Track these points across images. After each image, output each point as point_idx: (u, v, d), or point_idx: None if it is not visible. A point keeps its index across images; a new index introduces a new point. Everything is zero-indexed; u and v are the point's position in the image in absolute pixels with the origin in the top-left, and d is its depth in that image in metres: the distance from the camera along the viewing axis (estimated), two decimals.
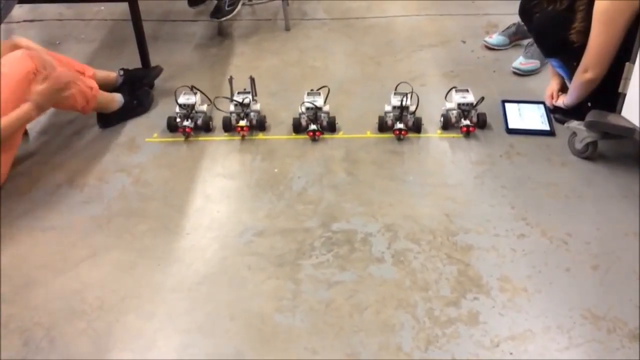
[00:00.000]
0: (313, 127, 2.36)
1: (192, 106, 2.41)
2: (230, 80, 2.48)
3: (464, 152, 2.29)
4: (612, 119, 2.09)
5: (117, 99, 2.50)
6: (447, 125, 2.40)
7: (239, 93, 2.47)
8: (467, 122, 2.35)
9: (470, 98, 2.40)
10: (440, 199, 2.08)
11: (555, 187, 2.11)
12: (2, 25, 2.23)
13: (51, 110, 2.53)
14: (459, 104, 2.39)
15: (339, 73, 2.85)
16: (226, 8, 3.08)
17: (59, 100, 2.18)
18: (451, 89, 2.47)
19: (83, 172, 2.23)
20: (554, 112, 2.47)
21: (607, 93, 2.11)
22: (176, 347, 1.60)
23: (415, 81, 2.64)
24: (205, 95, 2.50)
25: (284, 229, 1.96)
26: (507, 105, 2.53)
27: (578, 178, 2.15)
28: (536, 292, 1.73)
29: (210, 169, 2.25)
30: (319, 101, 2.40)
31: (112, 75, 2.58)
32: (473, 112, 2.39)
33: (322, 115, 2.40)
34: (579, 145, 2.22)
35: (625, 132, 2.06)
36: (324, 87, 2.49)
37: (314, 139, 2.36)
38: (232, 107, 2.44)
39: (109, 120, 2.49)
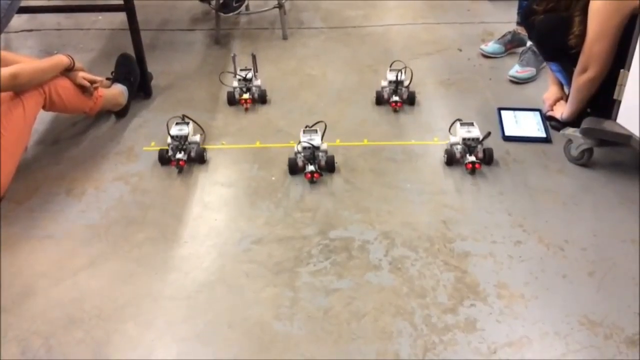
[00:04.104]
0: (311, 168, 2.19)
1: (185, 137, 2.29)
2: (234, 57, 2.68)
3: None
4: (607, 125, 2.10)
5: (121, 90, 2.57)
6: (451, 161, 2.26)
7: (241, 70, 2.69)
8: (473, 158, 2.22)
9: (475, 132, 2.26)
10: (437, 206, 2.08)
11: (552, 194, 2.12)
12: (1, 35, 2.24)
13: (49, 118, 2.55)
14: (463, 139, 2.25)
15: (336, 81, 2.86)
16: (234, 4, 3.23)
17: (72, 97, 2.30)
18: (455, 122, 2.35)
19: (81, 181, 2.23)
20: (550, 120, 2.48)
21: (606, 100, 2.11)
22: (174, 355, 1.60)
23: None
24: (199, 124, 2.41)
25: (282, 237, 1.97)
26: (503, 112, 2.54)
27: (574, 185, 2.16)
28: (533, 298, 1.73)
29: (208, 177, 2.25)
30: (316, 139, 2.24)
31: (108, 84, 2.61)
32: (479, 147, 2.25)
33: (320, 154, 2.24)
34: (574, 152, 2.23)
35: (621, 139, 2.07)
36: (319, 122, 2.34)
37: (312, 181, 2.20)
38: (235, 83, 2.68)
39: (124, 108, 2.61)
